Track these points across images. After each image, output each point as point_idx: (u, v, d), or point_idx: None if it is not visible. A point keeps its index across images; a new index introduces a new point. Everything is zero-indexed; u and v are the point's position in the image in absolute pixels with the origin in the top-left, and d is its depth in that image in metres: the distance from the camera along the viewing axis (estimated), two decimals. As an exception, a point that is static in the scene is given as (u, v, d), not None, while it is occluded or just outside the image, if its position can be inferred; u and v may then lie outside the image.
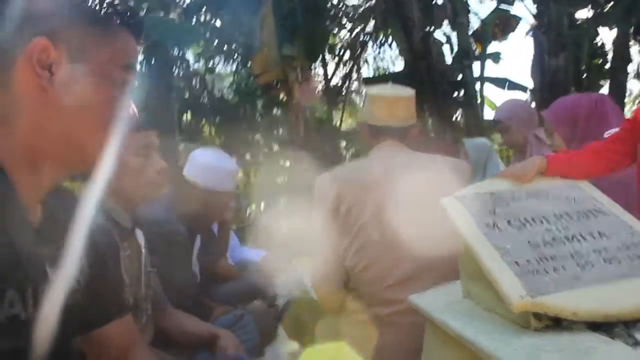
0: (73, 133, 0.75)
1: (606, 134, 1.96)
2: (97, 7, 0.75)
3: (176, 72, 8.31)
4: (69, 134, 0.75)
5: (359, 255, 1.77)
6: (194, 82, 8.88)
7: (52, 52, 0.71)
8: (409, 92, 1.98)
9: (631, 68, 7.26)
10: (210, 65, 9.68)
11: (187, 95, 8.88)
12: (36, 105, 0.71)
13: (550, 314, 0.99)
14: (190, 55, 9.45)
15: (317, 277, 1.96)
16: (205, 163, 2.26)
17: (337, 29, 9.52)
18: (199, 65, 9.86)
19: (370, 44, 9.59)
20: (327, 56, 8.98)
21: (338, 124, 8.92)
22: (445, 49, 7.16)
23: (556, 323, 1.01)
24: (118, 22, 0.77)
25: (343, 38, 9.81)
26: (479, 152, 3.30)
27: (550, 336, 0.98)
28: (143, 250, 1.75)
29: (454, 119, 6.68)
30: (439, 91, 5.95)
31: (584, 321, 0.99)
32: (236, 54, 9.07)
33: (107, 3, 0.76)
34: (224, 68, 10.45)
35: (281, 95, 7.16)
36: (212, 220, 2.39)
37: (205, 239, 2.50)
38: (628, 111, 10.98)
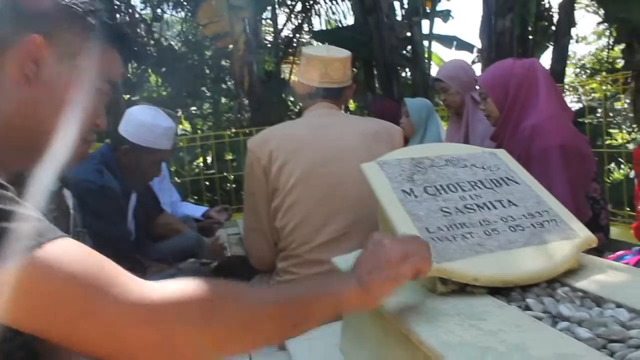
0: (43, 128, 0.81)
1: None
2: (96, 26, 0.85)
3: (120, 18, 8.01)
4: (39, 129, 0.81)
5: (289, 215, 1.81)
6: (139, 29, 8.58)
7: (43, 50, 0.78)
8: (344, 53, 1.99)
9: (575, 32, 7.40)
10: (157, 12, 9.37)
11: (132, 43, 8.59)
12: (17, 93, 0.78)
13: (454, 280, 1.05)
14: (136, 1, 9.13)
15: (249, 237, 1.99)
16: (141, 121, 2.23)
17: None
18: (146, 12, 9.54)
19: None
20: (278, 8, 8.81)
21: (287, 76, 8.84)
22: (396, 5, 7.16)
23: (461, 288, 1.06)
24: (110, 42, 0.88)
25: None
26: (420, 111, 3.35)
27: (453, 300, 1.03)
28: (72, 211, 1.73)
29: (402, 75, 6.72)
30: (387, 47, 5.95)
31: (485, 286, 1.05)
32: (185, 1, 8.80)
33: (105, 24, 0.86)
34: (172, 16, 10.16)
35: (229, 47, 7.02)
36: (148, 178, 2.38)
37: (142, 196, 2.49)
38: (572, 73, 11.28)
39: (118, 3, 7.93)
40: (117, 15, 7.42)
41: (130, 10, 8.75)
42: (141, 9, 9.31)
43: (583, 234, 1.18)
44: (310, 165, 1.78)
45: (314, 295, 0.83)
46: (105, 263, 0.68)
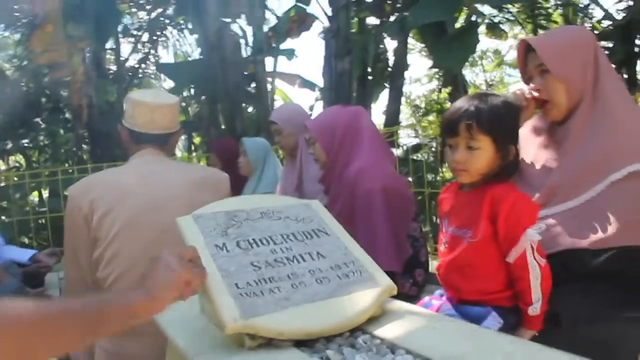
0: None
1: None
2: None
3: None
4: None
5: (111, 266, 1.74)
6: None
7: None
8: (172, 99, 1.98)
9: (410, 74, 8.01)
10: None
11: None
12: None
13: (261, 335, 1.08)
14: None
15: (70, 289, 1.89)
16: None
17: (135, 9, 9.13)
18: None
19: (170, 28, 9.33)
20: (122, 37, 8.55)
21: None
22: (241, 42, 7.27)
23: (269, 341, 1.10)
24: None
25: (141, 19, 9.43)
26: (258, 151, 3.41)
27: (261, 355, 1.06)
28: None
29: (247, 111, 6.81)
30: (232, 83, 6.01)
31: (291, 339, 1.09)
32: (20, 22, 8.24)
33: None
34: (4, 37, 9.47)
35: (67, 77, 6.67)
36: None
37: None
38: (409, 114, 12.14)
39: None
40: None
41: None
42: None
43: (384, 283, 1.27)
44: (133, 214, 1.74)
45: (107, 305, 0.95)
46: None
